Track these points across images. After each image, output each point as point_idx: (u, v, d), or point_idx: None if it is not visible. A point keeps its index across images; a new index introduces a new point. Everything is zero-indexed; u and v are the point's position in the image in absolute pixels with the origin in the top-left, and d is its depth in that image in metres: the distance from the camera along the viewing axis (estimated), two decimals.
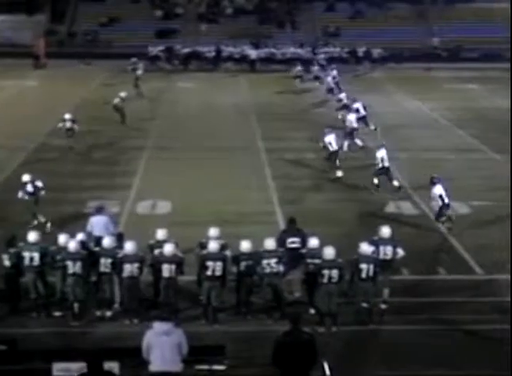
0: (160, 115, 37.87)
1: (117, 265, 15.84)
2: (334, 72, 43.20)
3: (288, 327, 12.05)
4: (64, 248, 16.05)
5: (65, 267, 15.74)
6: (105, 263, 15.94)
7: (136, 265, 15.80)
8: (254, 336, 15.26)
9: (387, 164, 24.83)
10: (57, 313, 16.15)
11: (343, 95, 36.35)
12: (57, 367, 13.00)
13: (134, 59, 46.59)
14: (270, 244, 16.21)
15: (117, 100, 34.84)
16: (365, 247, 16.05)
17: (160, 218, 21.70)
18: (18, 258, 16.05)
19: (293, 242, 17.07)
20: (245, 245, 16.15)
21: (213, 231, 16.86)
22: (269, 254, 16.06)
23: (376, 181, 24.84)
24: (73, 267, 15.70)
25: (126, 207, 23.40)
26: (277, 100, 41.61)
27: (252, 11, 64.61)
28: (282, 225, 20.50)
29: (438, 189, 21.13)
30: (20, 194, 21.75)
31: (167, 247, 15.96)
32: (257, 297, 16.40)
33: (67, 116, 30.95)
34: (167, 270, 15.81)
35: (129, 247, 15.93)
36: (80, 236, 16.81)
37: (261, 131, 33.74)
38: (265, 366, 12.55)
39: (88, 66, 54.11)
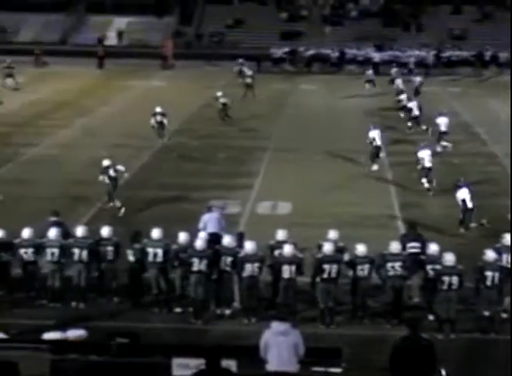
0: (282, 117, 38.08)
1: (237, 264, 16.06)
2: (418, 78, 42.67)
3: (406, 332, 11.96)
4: (185, 246, 16.38)
5: (190, 264, 16.00)
6: (226, 261, 16.19)
7: (256, 264, 15.98)
8: (371, 340, 15.23)
9: (428, 164, 25.02)
10: (177, 310, 16.50)
11: (403, 97, 36.49)
12: (176, 362, 13.24)
13: (240, 60, 47.00)
14: (395, 247, 16.17)
15: (223, 100, 35.54)
16: (491, 254, 15.80)
17: (280, 219, 21.86)
18: (142, 254, 16.50)
19: (413, 247, 16.95)
20: (360, 249, 16.12)
21: (332, 233, 16.90)
22: (394, 257, 16.01)
23: (426, 185, 25.11)
24: (199, 265, 15.93)
25: (247, 208, 23.68)
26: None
27: (377, 13, 64.16)
28: (402, 230, 20.36)
29: (462, 194, 21.19)
30: (101, 178, 23.40)
31: (287, 248, 16.08)
32: (373, 300, 16.37)
33: (158, 109, 31.60)
34: (286, 271, 15.92)
35: (249, 246, 16.12)
36: (203, 234, 17.14)
37: (384, 134, 33.52)
38: (382, 371, 12.49)
39: (214, 67, 54.86)
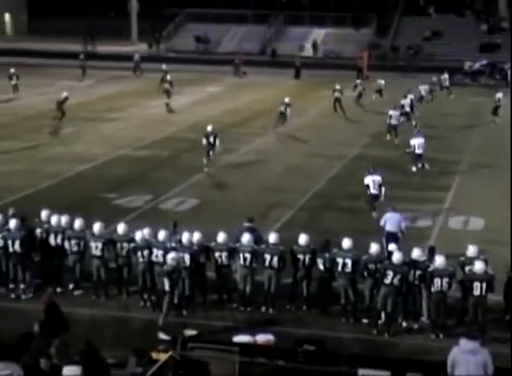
0: (478, 130, 37.35)
1: (427, 278, 15.94)
2: (500, 94, 40.21)
3: None
4: (376, 257, 16.41)
5: (383, 276, 15.97)
6: (415, 275, 16.10)
7: (446, 279, 15.78)
8: None
9: (419, 151, 28.61)
10: (365, 320, 16.55)
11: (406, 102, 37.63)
12: (362, 373, 13.31)
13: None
14: None
15: (337, 94, 39.81)
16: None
17: (471, 235, 21.47)
18: (331, 263, 16.66)
19: None
20: None
21: None
22: None
23: (414, 168, 28.88)
24: (393, 278, 15.88)
25: (438, 221, 23.38)
26: None
27: None
28: None
29: (367, 180, 23.53)
30: (203, 141, 28.58)
31: (478, 264, 15.80)
32: None
33: (286, 100, 34.99)
34: (477, 288, 15.64)
35: (440, 261, 15.95)
36: (393, 246, 17.12)
37: None
38: None
39: (409, 79, 54.39)
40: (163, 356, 13.28)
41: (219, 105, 43.33)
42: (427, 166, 28.91)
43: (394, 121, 33.97)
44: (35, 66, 56.23)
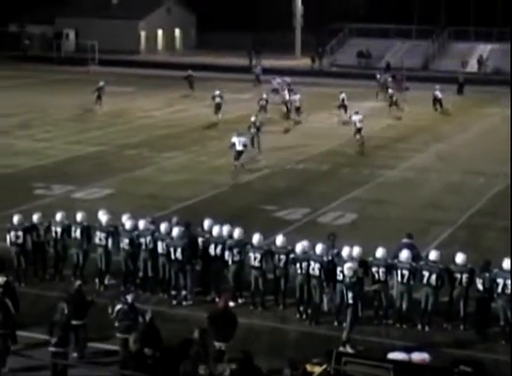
0: None
1: None
2: None
3: None
4: None
5: None
6: None
7: None
8: None
9: (359, 125, 35.36)
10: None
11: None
12: None
13: None
14: None
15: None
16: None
17: None
18: (491, 284, 16.30)
19: None
20: None
21: None
22: None
23: (357, 137, 35.38)
24: None
25: None
26: None
27: None
28: None
29: (234, 139, 30.18)
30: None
31: None
32: None
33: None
34: None
35: None
36: None
37: None
38: None
39: None
40: (317, 369, 13.37)
41: (379, 120, 43.10)
42: (358, 137, 35.30)
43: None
44: (202, 79, 57.66)
